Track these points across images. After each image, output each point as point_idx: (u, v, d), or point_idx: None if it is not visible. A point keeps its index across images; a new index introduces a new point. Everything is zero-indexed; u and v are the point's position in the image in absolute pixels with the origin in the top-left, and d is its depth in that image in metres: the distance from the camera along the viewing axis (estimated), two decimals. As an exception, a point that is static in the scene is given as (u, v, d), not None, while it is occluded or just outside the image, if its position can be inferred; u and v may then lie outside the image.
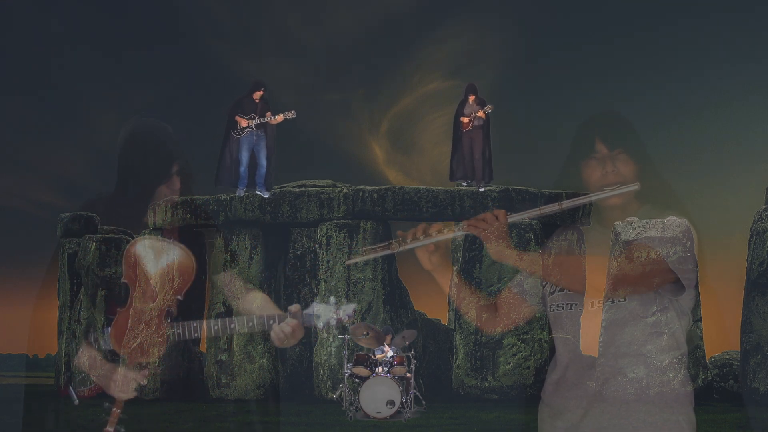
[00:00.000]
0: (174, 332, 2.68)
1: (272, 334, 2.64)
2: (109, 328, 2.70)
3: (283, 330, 2.63)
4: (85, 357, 2.69)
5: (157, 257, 2.74)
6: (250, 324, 2.66)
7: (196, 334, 2.68)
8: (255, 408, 12.12)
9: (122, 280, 2.73)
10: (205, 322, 2.69)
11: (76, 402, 2.68)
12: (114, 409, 2.66)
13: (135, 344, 2.67)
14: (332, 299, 2.67)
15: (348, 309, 2.64)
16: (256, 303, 2.83)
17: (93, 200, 2.96)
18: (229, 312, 2.73)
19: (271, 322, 2.64)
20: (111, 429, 2.66)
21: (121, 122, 2.87)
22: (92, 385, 2.70)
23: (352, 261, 2.58)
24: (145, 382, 2.69)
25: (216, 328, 2.66)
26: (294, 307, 2.65)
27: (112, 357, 2.69)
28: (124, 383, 2.65)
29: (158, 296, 2.70)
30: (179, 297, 2.72)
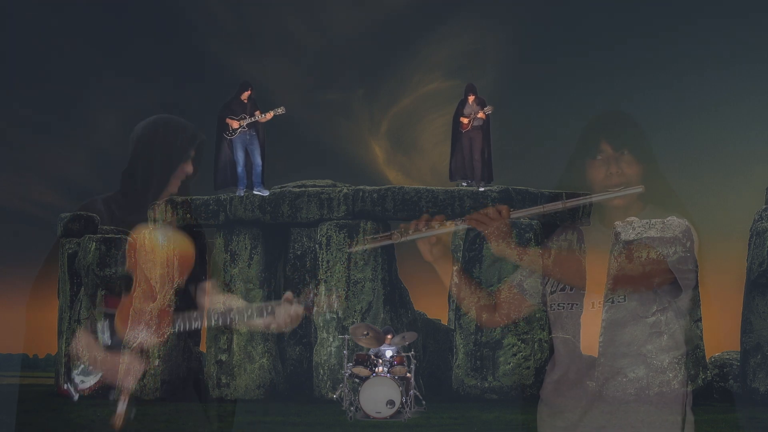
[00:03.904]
0: (175, 325, 2.72)
1: (268, 321, 2.72)
2: (107, 322, 2.72)
3: (278, 316, 2.71)
4: (83, 344, 2.71)
5: (158, 246, 2.77)
6: (249, 312, 2.71)
7: (196, 325, 2.73)
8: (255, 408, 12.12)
9: (126, 269, 2.77)
10: (205, 312, 2.74)
11: (76, 398, 2.69)
12: (121, 399, 2.69)
13: (138, 331, 2.70)
14: (321, 288, 2.79)
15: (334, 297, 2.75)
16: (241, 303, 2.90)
17: (93, 200, 2.98)
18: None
19: (268, 310, 2.72)
20: (120, 416, 2.68)
21: (122, 122, 2.92)
22: (91, 383, 2.70)
23: (355, 249, 2.61)
24: (147, 366, 2.73)
25: (216, 318, 2.72)
26: (287, 295, 2.74)
27: (113, 347, 2.71)
28: (130, 370, 2.68)
29: (160, 286, 2.74)
30: (180, 284, 2.76)
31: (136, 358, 2.70)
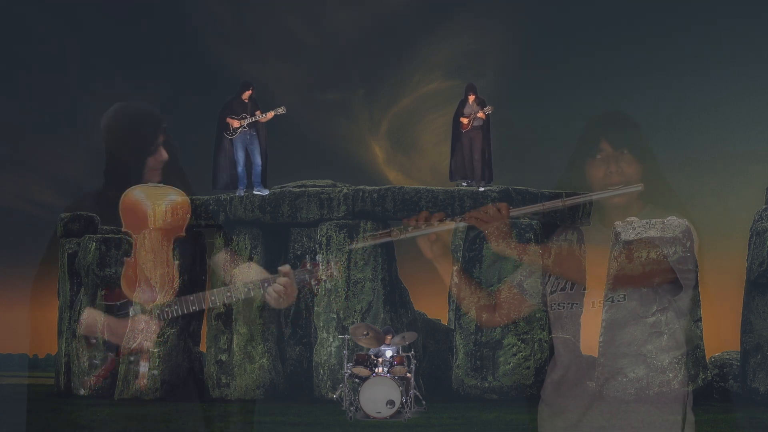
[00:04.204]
0: (172, 308, 2.73)
1: (267, 296, 2.73)
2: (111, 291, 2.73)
3: (276, 289, 2.71)
4: (92, 318, 2.72)
5: (152, 201, 2.77)
6: (246, 289, 2.72)
7: (194, 308, 2.73)
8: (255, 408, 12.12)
9: (123, 230, 2.77)
10: (207, 293, 2.74)
11: (81, 392, 2.71)
12: (142, 361, 2.71)
13: (148, 291, 2.71)
14: (319, 257, 2.79)
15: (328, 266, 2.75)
16: (251, 271, 2.90)
17: (80, 197, 2.99)
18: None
19: (266, 284, 2.72)
20: (144, 376, 2.70)
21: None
22: (101, 371, 2.71)
23: (354, 246, 2.63)
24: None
25: (213, 297, 2.73)
26: (285, 268, 2.74)
27: (122, 313, 2.72)
28: (146, 331, 2.69)
29: (160, 239, 2.74)
30: (182, 235, 2.77)
31: (150, 318, 2.71)
